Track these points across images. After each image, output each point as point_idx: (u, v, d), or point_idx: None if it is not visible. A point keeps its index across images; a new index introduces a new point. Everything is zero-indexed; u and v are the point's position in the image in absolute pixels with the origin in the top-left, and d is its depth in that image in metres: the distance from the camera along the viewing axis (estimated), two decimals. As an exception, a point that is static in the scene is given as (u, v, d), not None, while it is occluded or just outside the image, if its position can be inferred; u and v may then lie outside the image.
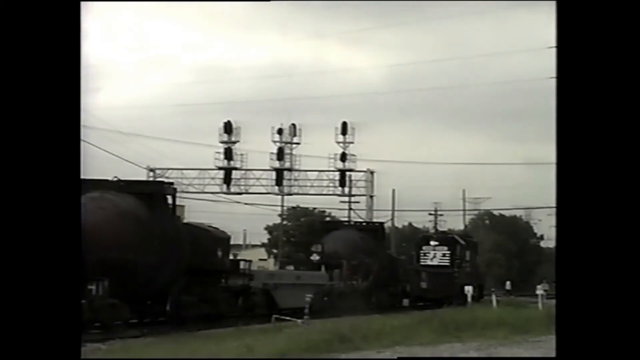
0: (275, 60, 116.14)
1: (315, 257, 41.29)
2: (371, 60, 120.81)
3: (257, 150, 63.39)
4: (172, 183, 35.08)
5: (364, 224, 52.46)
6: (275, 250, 70.57)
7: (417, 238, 56.38)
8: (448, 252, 49.59)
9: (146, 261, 26.24)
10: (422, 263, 49.41)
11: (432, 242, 50.53)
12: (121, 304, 24.94)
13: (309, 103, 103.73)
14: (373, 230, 48.09)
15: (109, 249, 24.95)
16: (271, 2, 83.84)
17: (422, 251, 50.09)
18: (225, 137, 59.80)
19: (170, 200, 28.98)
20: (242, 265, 33.96)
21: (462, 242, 52.28)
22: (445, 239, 51.74)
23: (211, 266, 30.25)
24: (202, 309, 28.85)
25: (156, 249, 26.83)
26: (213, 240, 31.03)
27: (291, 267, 40.99)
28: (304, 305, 31.31)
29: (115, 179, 28.58)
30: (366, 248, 44.79)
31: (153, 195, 28.33)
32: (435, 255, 49.54)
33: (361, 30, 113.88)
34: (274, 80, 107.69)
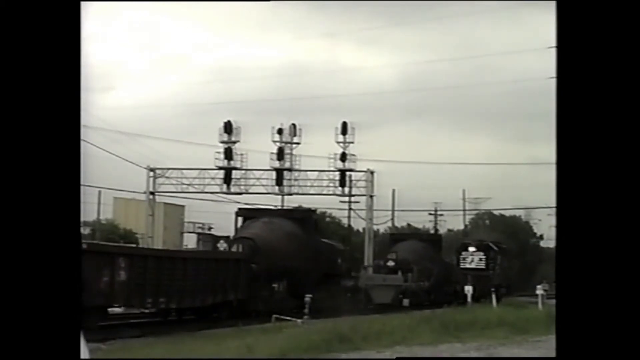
0: (288, 60, 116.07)
1: (391, 263, 49.83)
2: (382, 60, 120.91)
3: (257, 150, 63.47)
4: (315, 210, 48.93)
5: (425, 235, 66.49)
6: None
7: (457, 245, 64.03)
8: (484, 256, 56.78)
9: (302, 268, 37.21)
10: (461, 267, 56.36)
11: (470, 249, 57.69)
12: (287, 298, 35.88)
13: (316, 103, 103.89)
14: (432, 241, 58.97)
15: (282, 259, 36.02)
16: (284, 2, 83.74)
17: (461, 256, 57.30)
18: (225, 137, 59.77)
19: (314, 223, 41.80)
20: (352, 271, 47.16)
21: (495, 248, 59.42)
22: (481, 245, 58.68)
23: (334, 271, 42.65)
24: (328, 303, 36.91)
25: (307, 259, 38.39)
26: (336, 252, 43.98)
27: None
28: (389, 301, 43.33)
29: (275, 207, 44.84)
30: (428, 255, 54.56)
31: (304, 219, 40.95)
32: (473, 260, 56.72)
33: (373, 29, 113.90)
34: (284, 81, 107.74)
